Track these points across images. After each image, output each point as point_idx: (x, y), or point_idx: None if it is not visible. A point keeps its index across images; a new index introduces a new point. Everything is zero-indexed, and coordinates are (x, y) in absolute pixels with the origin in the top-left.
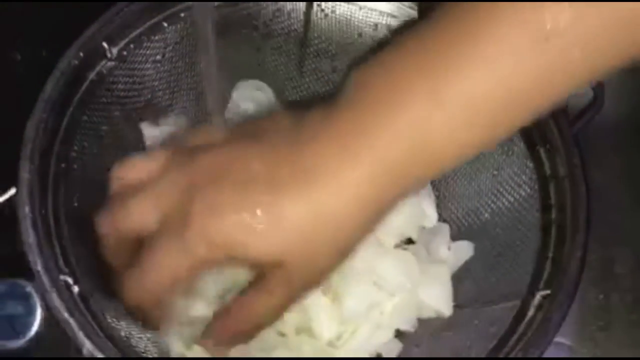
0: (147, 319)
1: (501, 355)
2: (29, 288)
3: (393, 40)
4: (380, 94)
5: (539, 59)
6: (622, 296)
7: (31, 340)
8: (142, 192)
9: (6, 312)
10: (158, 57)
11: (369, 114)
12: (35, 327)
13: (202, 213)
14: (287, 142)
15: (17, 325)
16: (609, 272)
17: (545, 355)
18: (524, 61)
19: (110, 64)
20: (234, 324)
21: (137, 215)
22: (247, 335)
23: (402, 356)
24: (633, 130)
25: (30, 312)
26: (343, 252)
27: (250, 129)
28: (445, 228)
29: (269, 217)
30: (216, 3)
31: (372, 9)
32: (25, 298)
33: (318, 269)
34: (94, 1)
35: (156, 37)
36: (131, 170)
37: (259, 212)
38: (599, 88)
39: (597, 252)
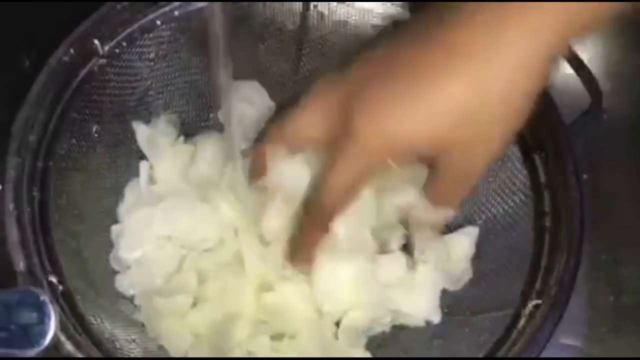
0: (320, 227)
1: None
2: (43, 297)
3: None
4: None
5: None
6: (632, 297)
7: (46, 348)
8: (307, 105)
9: (21, 321)
10: (151, 55)
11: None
12: (50, 336)
13: (366, 113)
14: (435, 29)
15: (32, 334)
16: (619, 273)
17: (557, 357)
18: None
19: (102, 61)
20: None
21: (305, 125)
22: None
23: None
24: None
25: (45, 321)
26: (514, 122)
27: (389, 38)
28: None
29: (431, 104)
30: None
31: (368, 10)
32: (40, 307)
33: (492, 141)
34: (85, 1)
35: (149, 36)
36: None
37: (423, 96)
38: (596, 94)
39: (606, 253)
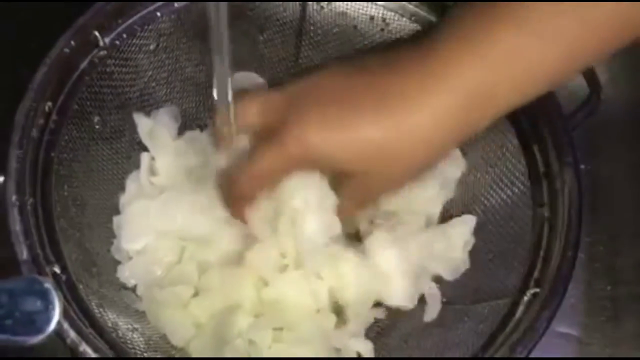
0: (239, 208)
1: (489, 354)
2: (48, 284)
3: None
4: (472, 28)
5: None
6: (629, 287)
7: (50, 336)
8: (253, 97)
9: (26, 309)
10: (151, 47)
11: (463, 45)
12: (54, 323)
13: (299, 122)
14: (376, 71)
15: (37, 321)
16: (616, 263)
17: (555, 346)
18: None
19: (102, 53)
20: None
21: (247, 112)
22: None
23: (393, 354)
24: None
25: (50, 308)
26: (418, 167)
27: (342, 65)
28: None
29: (353, 133)
30: None
31: (368, 2)
32: (44, 294)
33: (393, 179)
34: None
35: (149, 27)
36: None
37: (346, 128)
38: (594, 85)
39: (604, 243)
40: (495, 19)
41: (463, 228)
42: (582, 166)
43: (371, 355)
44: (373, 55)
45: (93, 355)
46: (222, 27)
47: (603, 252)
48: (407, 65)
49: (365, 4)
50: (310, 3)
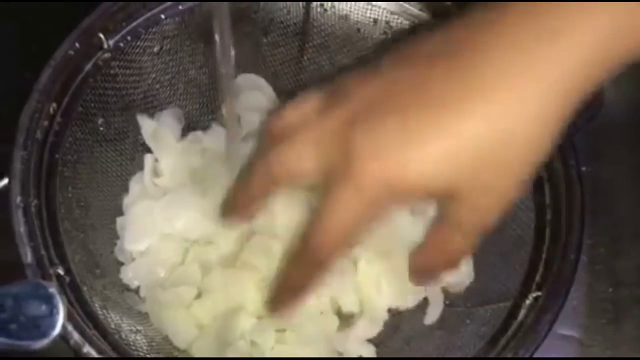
0: (326, 265)
1: (491, 356)
2: (52, 289)
3: None
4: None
5: None
6: (631, 289)
7: (54, 340)
8: (297, 135)
9: (30, 313)
10: (155, 49)
11: (554, 12)
12: (58, 327)
13: (368, 151)
14: (447, 55)
15: (41, 325)
16: (617, 265)
17: (557, 348)
18: None
19: (107, 55)
20: (433, 263)
21: (295, 161)
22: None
23: (395, 355)
24: None
25: (54, 313)
26: (525, 175)
27: (398, 55)
28: None
29: (442, 145)
30: None
31: (371, 5)
32: (48, 298)
33: (507, 191)
34: None
35: (154, 30)
36: (283, 118)
37: (430, 140)
38: (597, 90)
39: (605, 246)
40: None
41: None
42: (583, 168)
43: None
44: (430, 37)
45: (96, 356)
46: (226, 28)
47: (604, 254)
48: (487, 39)
49: (368, 7)
50: (313, 6)
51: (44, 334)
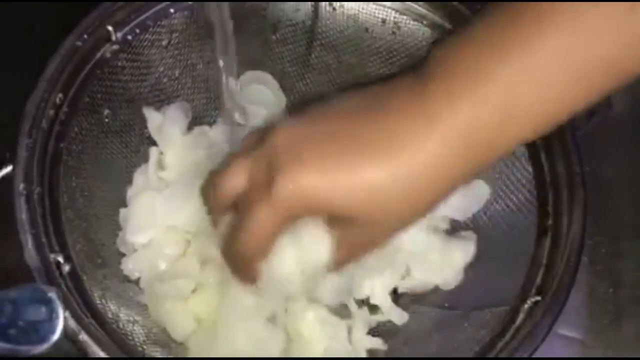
0: (244, 274)
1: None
2: (52, 293)
3: (468, 22)
4: (465, 65)
5: (627, 28)
6: (632, 289)
7: (55, 345)
8: (234, 162)
9: (29, 318)
10: (164, 42)
11: (455, 83)
12: (58, 332)
13: (291, 166)
14: (368, 110)
15: (41, 330)
16: (618, 266)
17: (557, 348)
18: (615, 29)
19: (115, 47)
20: None
21: (230, 183)
22: None
23: (392, 355)
24: None
25: (53, 317)
26: (414, 214)
27: (324, 106)
28: None
29: (356, 175)
30: None
31: (380, 5)
32: (47, 303)
33: (394, 227)
34: None
35: (162, 23)
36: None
37: (347, 169)
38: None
39: (606, 246)
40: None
41: (460, 250)
42: (584, 166)
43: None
44: (366, 92)
45: (92, 343)
46: (227, 26)
47: (605, 255)
48: (400, 106)
49: (377, 7)
50: (322, 5)
51: (44, 339)
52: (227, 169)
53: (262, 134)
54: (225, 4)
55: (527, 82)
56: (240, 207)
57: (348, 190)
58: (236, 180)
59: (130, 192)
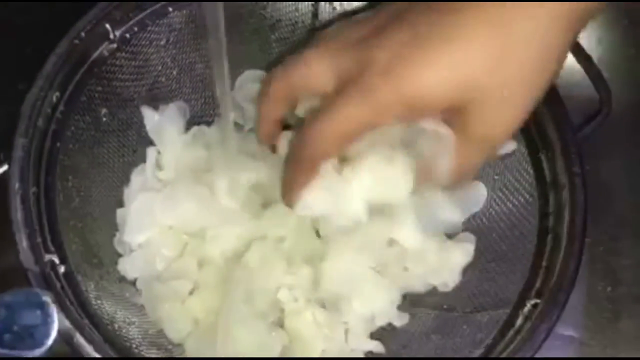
0: (300, 179)
1: None
2: (46, 297)
3: None
4: None
5: None
6: (630, 288)
7: (50, 349)
8: (312, 48)
9: (24, 322)
10: (162, 41)
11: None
12: (52, 337)
13: (383, 64)
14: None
15: (35, 335)
16: (616, 264)
17: (556, 347)
18: None
19: (113, 46)
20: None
21: (314, 74)
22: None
23: (391, 356)
24: None
25: (48, 322)
26: (536, 86)
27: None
28: None
29: (450, 58)
30: None
31: (378, 1)
32: (42, 307)
33: (514, 102)
34: None
35: (161, 22)
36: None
37: (443, 45)
38: (605, 94)
39: (605, 244)
40: None
41: (458, 252)
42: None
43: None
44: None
45: (87, 345)
46: (220, 26)
47: (603, 253)
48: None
49: (377, 6)
50: (322, 4)
51: (39, 343)
52: (307, 55)
53: (344, 31)
54: (220, 4)
55: None
56: (321, 103)
57: (451, 75)
58: (313, 71)
59: (128, 192)
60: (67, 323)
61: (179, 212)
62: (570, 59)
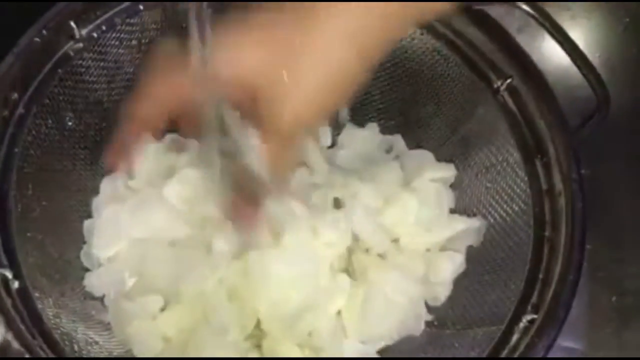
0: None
1: None
2: None
3: None
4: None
5: None
6: (635, 298)
7: None
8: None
9: None
10: (133, 42)
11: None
12: None
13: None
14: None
15: None
16: (621, 274)
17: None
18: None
19: (78, 45)
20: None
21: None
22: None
23: None
24: None
25: None
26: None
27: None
28: None
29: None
30: None
31: None
32: None
33: (297, 93)
34: None
35: (131, 21)
36: None
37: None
38: (602, 93)
39: (609, 254)
40: None
41: (448, 264)
42: (582, 171)
43: None
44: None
45: None
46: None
47: (606, 261)
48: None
49: None
50: None
51: None
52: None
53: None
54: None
55: None
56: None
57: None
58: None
59: (97, 202)
60: (15, 344)
61: (150, 224)
62: (566, 59)
